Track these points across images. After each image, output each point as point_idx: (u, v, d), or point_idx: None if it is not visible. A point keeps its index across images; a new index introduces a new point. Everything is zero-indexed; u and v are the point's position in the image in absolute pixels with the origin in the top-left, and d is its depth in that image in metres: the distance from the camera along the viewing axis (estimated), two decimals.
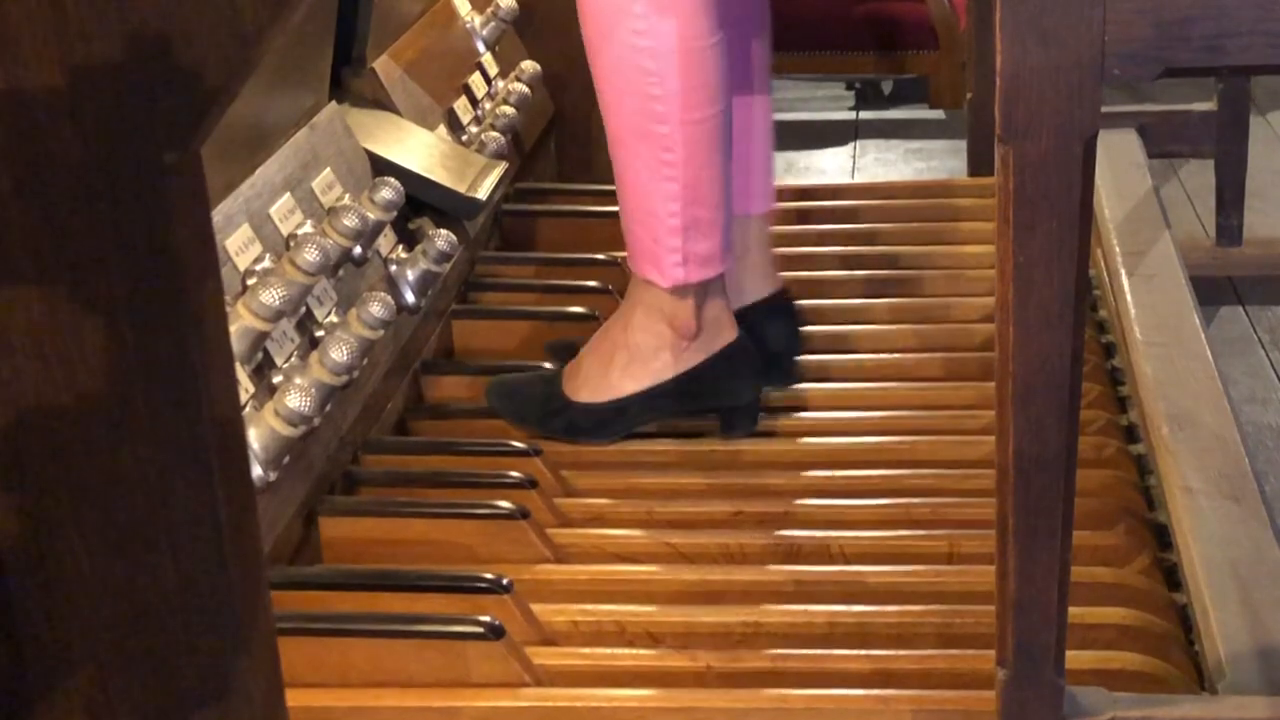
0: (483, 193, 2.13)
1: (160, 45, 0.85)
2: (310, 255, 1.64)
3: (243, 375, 1.54)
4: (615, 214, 2.49)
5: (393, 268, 1.92)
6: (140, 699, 0.97)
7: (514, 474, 1.79)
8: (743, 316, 1.97)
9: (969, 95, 2.84)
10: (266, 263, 1.64)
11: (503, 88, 2.51)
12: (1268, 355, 2.68)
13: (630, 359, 1.90)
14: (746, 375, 1.93)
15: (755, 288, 2.03)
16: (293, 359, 1.64)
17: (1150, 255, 2.25)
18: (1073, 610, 1.30)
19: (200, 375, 0.91)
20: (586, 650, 1.56)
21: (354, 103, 2.08)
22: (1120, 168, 2.61)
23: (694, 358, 1.90)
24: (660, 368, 1.90)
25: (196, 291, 0.91)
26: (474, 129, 2.35)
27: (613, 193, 2.55)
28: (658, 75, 1.76)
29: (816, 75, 4.00)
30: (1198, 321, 2.07)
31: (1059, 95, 1.08)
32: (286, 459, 1.56)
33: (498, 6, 2.51)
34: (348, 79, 2.08)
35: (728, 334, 1.91)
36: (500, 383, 1.98)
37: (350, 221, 1.76)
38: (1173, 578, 1.64)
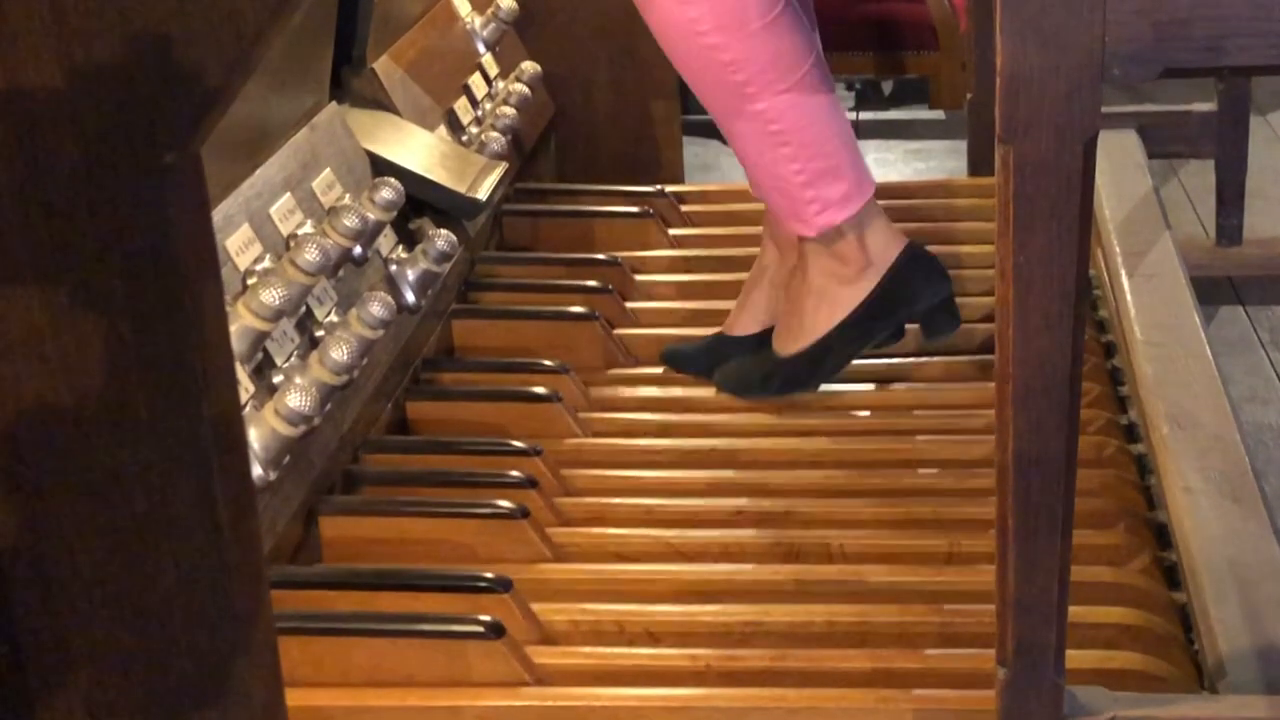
0: (483, 193, 2.14)
1: (160, 45, 0.85)
2: (310, 255, 1.64)
3: (243, 375, 1.54)
4: (615, 214, 2.51)
5: (393, 268, 1.92)
6: (140, 699, 0.97)
7: (514, 473, 1.79)
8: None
9: (969, 95, 2.84)
10: (266, 263, 1.64)
11: (503, 88, 2.51)
12: (1268, 355, 2.68)
13: (818, 301, 1.99)
14: (928, 277, 2.00)
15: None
16: (293, 359, 1.64)
17: (1150, 255, 2.25)
18: (1073, 610, 1.30)
19: (200, 375, 0.91)
20: (586, 649, 1.56)
21: (354, 103, 2.08)
22: (1120, 168, 2.61)
23: (873, 279, 1.98)
24: (847, 299, 1.98)
25: (196, 291, 0.91)
26: (474, 129, 2.35)
27: (613, 192, 2.58)
28: (735, 64, 1.85)
29: None
30: (1198, 321, 2.07)
31: (1059, 95, 1.08)
32: (286, 459, 1.56)
33: (498, 7, 2.51)
34: (348, 79, 2.08)
35: (895, 247, 1.98)
36: (726, 368, 2.07)
37: (350, 221, 1.76)
38: (1173, 577, 1.64)
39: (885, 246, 1.98)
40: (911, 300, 1.99)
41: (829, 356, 2.00)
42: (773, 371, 2.02)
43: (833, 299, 1.98)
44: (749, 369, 2.05)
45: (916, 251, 1.99)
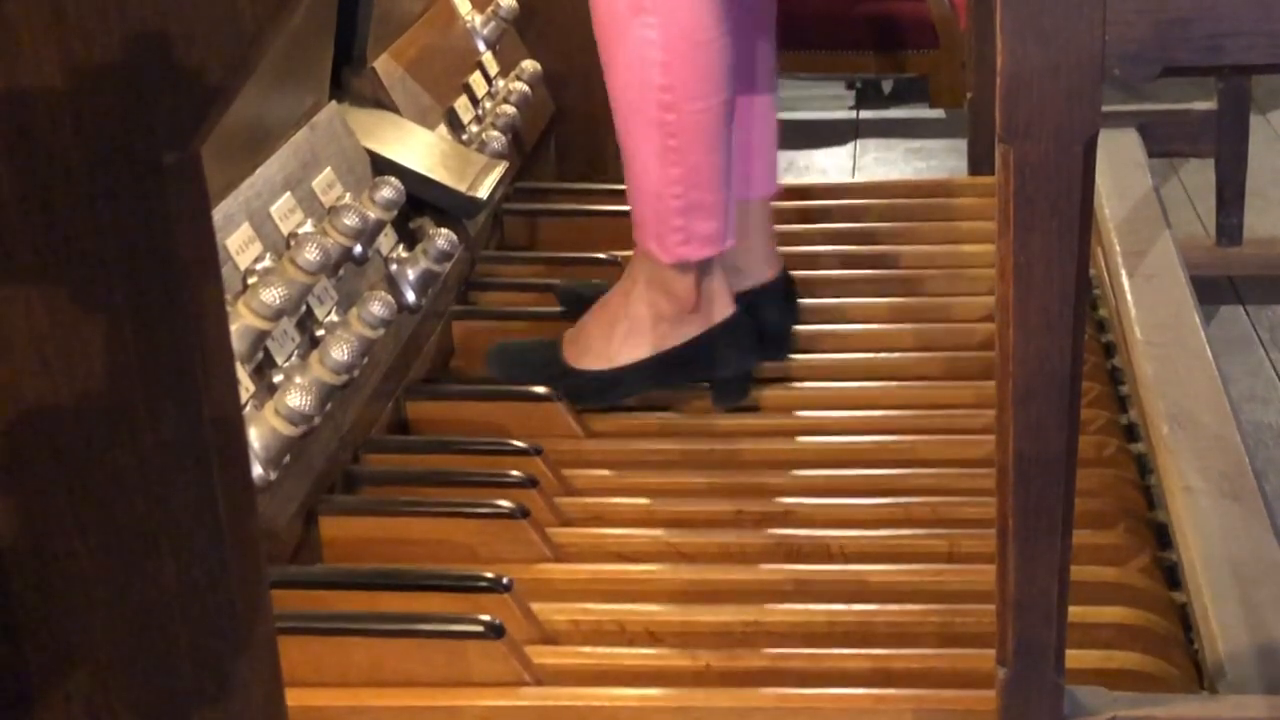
0: (483, 192, 2.14)
1: (160, 45, 0.85)
2: (311, 254, 1.64)
3: (243, 375, 1.54)
4: (616, 214, 2.50)
5: (393, 267, 1.92)
6: (140, 699, 0.97)
7: (514, 473, 1.79)
8: (743, 299, 2.02)
9: (969, 95, 2.84)
10: (267, 262, 1.64)
11: (503, 87, 2.51)
12: (1268, 355, 2.68)
13: (630, 329, 1.97)
14: (741, 348, 1.99)
15: (756, 271, 2.08)
16: (293, 358, 1.64)
17: (1150, 255, 2.25)
18: (1073, 610, 1.30)
19: (200, 375, 0.91)
20: (586, 649, 1.56)
21: (354, 102, 2.08)
22: (1120, 168, 2.61)
23: (691, 330, 1.97)
24: (658, 339, 1.97)
25: (196, 291, 0.91)
26: (474, 128, 2.35)
27: (613, 192, 2.57)
28: (663, 66, 1.83)
29: (816, 74, 4.00)
30: (1198, 321, 2.07)
31: (1059, 95, 1.08)
32: (286, 458, 1.57)
33: (498, 6, 2.51)
34: (348, 79, 2.08)
35: (724, 308, 1.98)
36: (501, 348, 2.05)
37: (351, 221, 1.76)
38: (1173, 577, 1.64)
39: (717, 304, 1.97)
40: (716, 366, 1.99)
41: (619, 388, 1.99)
42: (558, 377, 1.99)
43: (644, 333, 1.97)
44: (533, 363, 2.02)
45: (741, 321, 1.98)
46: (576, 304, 2.11)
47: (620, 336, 1.98)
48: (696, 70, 1.84)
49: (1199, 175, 3.27)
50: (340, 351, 1.64)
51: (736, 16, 1.90)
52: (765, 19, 2.06)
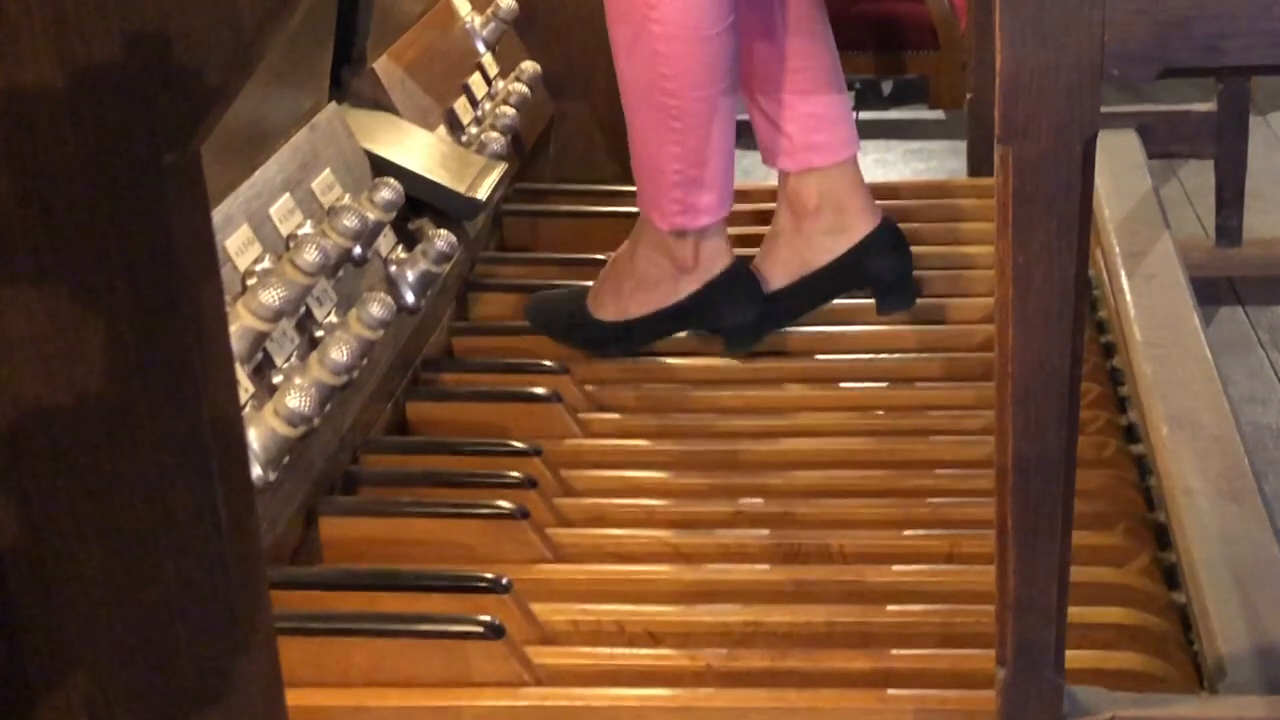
0: (483, 193, 2.14)
1: (160, 45, 0.85)
2: (310, 255, 1.64)
3: (243, 375, 1.54)
4: (615, 214, 2.51)
5: (393, 268, 1.92)
6: (140, 699, 0.97)
7: (514, 474, 1.79)
8: (852, 256, 2.15)
9: (969, 95, 2.84)
10: (266, 263, 1.64)
11: (503, 88, 2.51)
12: (1268, 355, 2.68)
13: (637, 285, 2.13)
14: (742, 298, 2.12)
15: (858, 226, 2.17)
16: (293, 359, 1.64)
17: (1150, 255, 2.25)
18: (1073, 610, 1.30)
19: (200, 375, 0.91)
20: (586, 650, 1.56)
21: (354, 103, 2.08)
22: (1120, 168, 2.61)
23: (691, 285, 2.11)
24: (662, 295, 2.12)
25: (196, 292, 0.91)
26: (474, 129, 2.35)
27: (613, 193, 2.58)
28: (668, 57, 1.97)
29: None
30: (1198, 321, 2.07)
31: (1059, 95, 1.08)
32: (286, 459, 1.56)
33: (498, 6, 2.51)
34: (348, 79, 2.08)
35: (723, 263, 2.11)
36: (539, 296, 2.22)
37: (350, 222, 1.76)
38: (1173, 578, 1.64)
39: (715, 259, 2.10)
40: (720, 316, 2.12)
41: (630, 337, 2.14)
42: (579, 325, 2.15)
43: (651, 289, 2.12)
44: (561, 311, 2.17)
45: (740, 271, 2.12)
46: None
47: (628, 292, 2.13)
48: (698, 64, 1.97)
49: (1198, 176, 3.26)
50: (340, 352, 1.64)
51: (792, 7, 2.07)
52: (817, 5, 2.15)
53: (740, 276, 2.12)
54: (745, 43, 2.08)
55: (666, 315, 2.13)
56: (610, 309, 2.14)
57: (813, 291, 2.17)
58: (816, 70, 2.13)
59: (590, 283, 2.20)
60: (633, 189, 2.58)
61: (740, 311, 2.12)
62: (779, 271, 2.16)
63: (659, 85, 1.99)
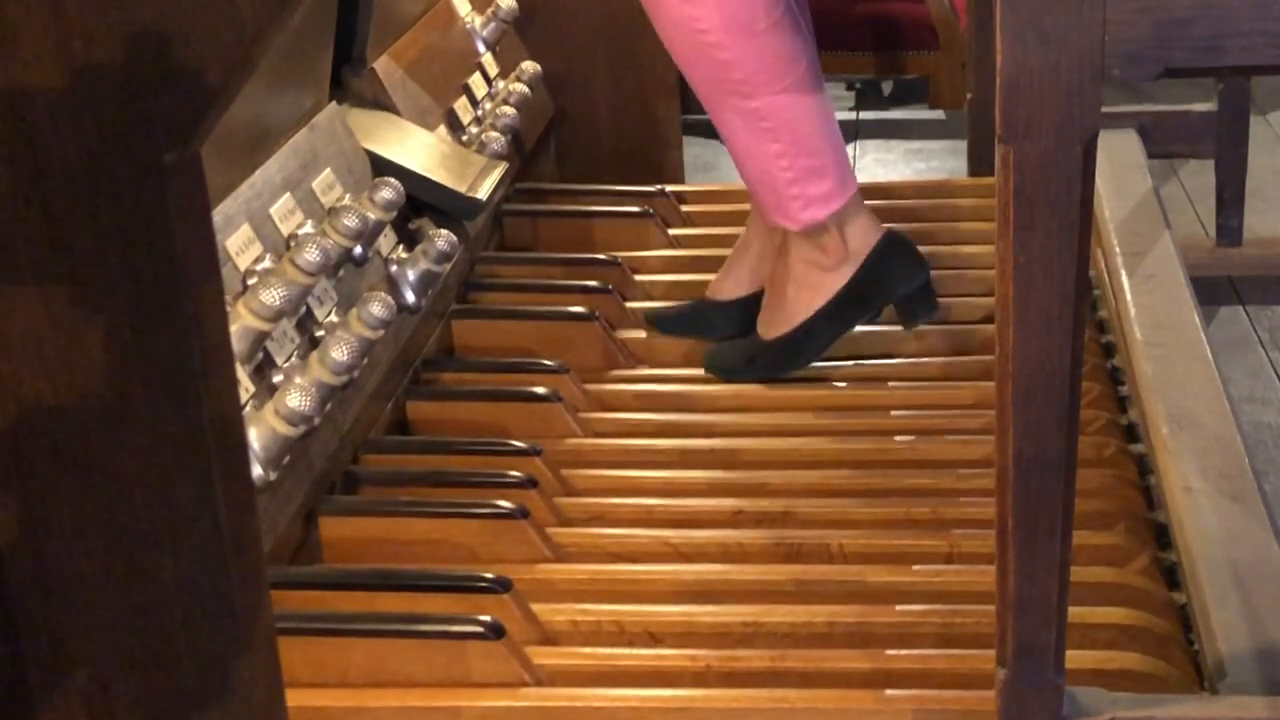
0: (483, 193, 2.14)
1: (160, 45, 0.85)
2: (310, 255, 1.64)
3: (243, 375, 1.54)
4: (616, 214, 2.51)
5: (393, 268, 1.92)
6: (140, 699, 0.97)
7: (514, 473, 1.79)
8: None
9: (969, 95, 2.84)
10: (267, 263, 1.64)
11: (503, 88, 2.51)
12: (1268, 355, 2.68)
13: (799, 288, 2.08)
14: (907, 263, 2.08)
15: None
16: (293, 359, 1.64)
17: (1150, 255, 2.25)
18: (1073, 610, 1.30)
19: (200, 375, 0.91)
20: (586, 650, 1.56)
21: (354, 103, 2.08)
22: (1120, 168, 2.61)
23: (852, 267, 2.07)
24: (828, 286, 2.07)
25: (196, 291, 0.91)
26: (474, 129, 2.35)
27: (613, 192, 2.58)
28: (734, 63, 1.94)
29: None
30: (1198, 321, 2.07)
31: (1059, 95, 1.08)
32: (286, 459, 1.56)
33: (498, 7, 2.51)
34: (348, 79, 2.08)
35: (874, 236, 2.07)
36: (713, 350, 2.15)
37: (350, 221, 1.76)
38: (1173, 578, 1.64)
39: (864, 236, 2.06)
40: (888, 288, 2.08)
41: (809, 340, 2.07)
42: (756, 354, 2.09)
43: (813, 286, 2.06)
44: (734, 351, 2.12)
45: (894, 239, 2.08)
46: (672, 327, 2.19)
47: (792, 299, 2.08)
48: (765, 59, 1.93)
49: (1199, 176, 3.26)
50: (340, 352, 1.64)
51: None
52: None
53: (897, 244, 2.07)
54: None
55: (838, 304, 2.07)
56: (780, 323, 2.09)
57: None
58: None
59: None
60: (633, 188, 2.60)
61: (910, 277, 2.07)
62: (740, 284, 2.16)
63: (735, 91, 1.95)
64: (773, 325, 2.09)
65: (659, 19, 1.96)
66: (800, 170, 1.98)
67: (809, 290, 2.07)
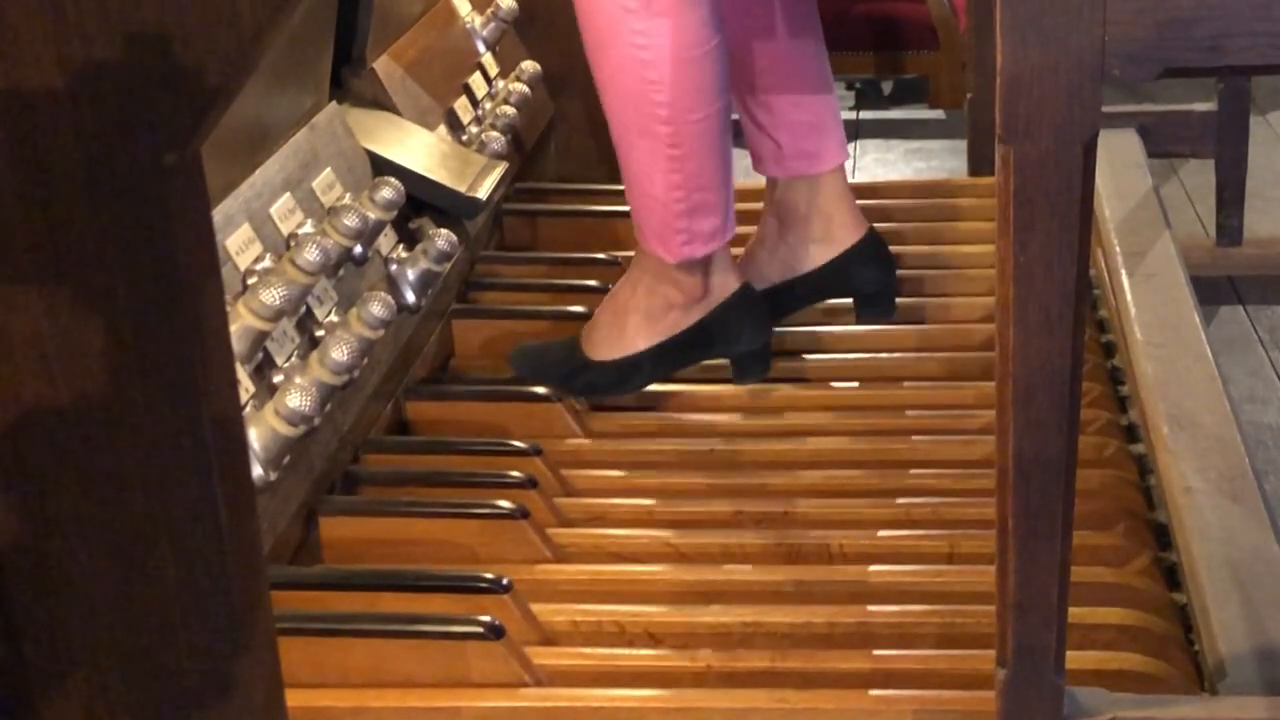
0: (483, 192, 2.14)
1: (160, 45, 0.85)
2: (310, 255, 1.64)
3: (243, 375, 1.54)
4: (615, 214, 2.50)
5: (393, 267, 1.92)
6: (140, 699, 0.97)
7: (514, 473, 1.79)
8: (836, 265, 2.12)
9: (969, 95, 2.84)
10: (267, 262, 1.64)
11: (503, 88, 2.51)
12: (1268, 355, 2.68)
13: (644, 320, 2.01)
14: (753, 322, 2.03)
15: (842, 237, 2.14)
16: (293, 359, 1.64)
17: (1150, 255, 2.25)
18: (1073, 610, 1.30)
19: (200, 375, 0.91)
20: (586, 650, 1.56)
21: (354, 103, 2.08)
22: (1120, 168, 2.61)
23: (702, 311, 2.01)
24: (670, 324, 2.01)
25: (196, 291, 0.91)
26: (474, 129, 2.35)
27: (612, 192, 2.57)
28: (658, 83, 1.86)
29: None
30: (1198, 321, 2.07)
31: (1059, 95, 1.08)
32: (286, 459, 1.56)
33: (498, 6, 2.51)
34: (348, 79, 2.08)
35: (732, 285, 2.01)
36: (522, 348, 2.08)
37: (350, 221, 1.76)
38: (1173, 578, 1.64)
39: (723, 283, 2.01)
40: (733, 340, 2.02)
41: (637, 374, 2.02)
42: (578, 371, 2.02)
43: (657, 321, 2.00)
44: (555, 360, 2.05)
45: (750, 293, 2.03)
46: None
47: (633, 326, 2.01)
48: (692, 84, 1.87)
49: (1199, 176, 3.27)
50: (340, 352, 1.64)
51: (783, 15, 1.99)
52: (809, 14, 2.11)
53: (753, 298, 2.03)
54: (739, 47, 2.04)
55: (679, 343, 2.01)
56: (611, 347, 2.02)
57: (795, 297, 2.14)
58: (807, 76, 2.10)
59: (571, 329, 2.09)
60: None
61: (755, 334, 2.03)
62: (762, 276, 2.13)
63: (652, 114, 1.87)
64: (605, 346, 2.02)
65: (589, 19, 1.88)
66: (693, 204, 1.92)
67: (652, 325, 2.00)
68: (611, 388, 2.02)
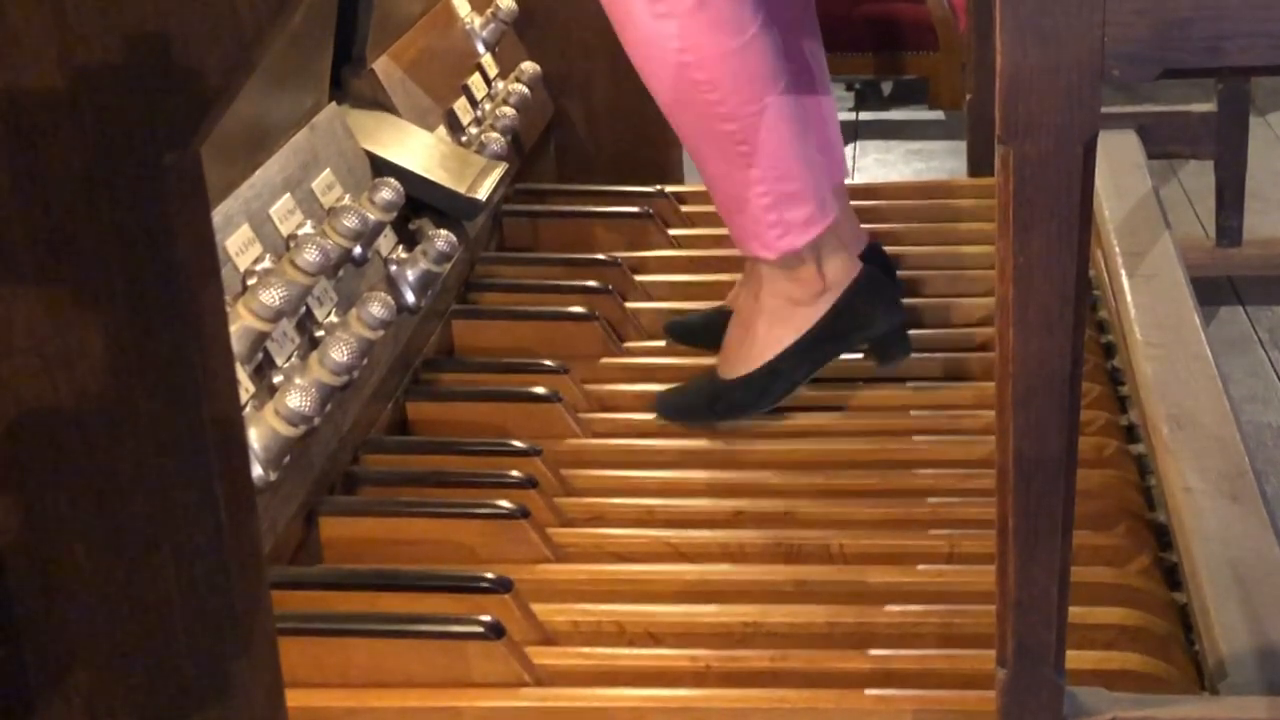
0: (483, 193, 2.14)
1: (160, 45, 0.85)
2: (310, 255, 1.64)
3: (243, 375, 1.54)
4: (615, 214, 2.51)
5: (393, 268, 1.92)
6: (140, 699, 0.97)
7: (514, 473, 1.79)
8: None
9: (968, 96, 2.84)
10: (266, 263, 1.64)
11: (503, 88, 2.51)
12: (1268, 355, 2.68)
13: (770, 323, 1.95)
14: (884, 301, 1.98)
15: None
16: (293, 359, 1.64)
17: (1150, 255, 2.25)
18: (1073, 610, 1.30)
19: (200, 375, 0.91)
20: (586, 650, 1.56)
21: (354, 103, 2.08)
22: (1120, 168, 2.61)
23: (828, 302, 1.95)
24: (799, 322, 1.95)
25: (196, 292, 0.91)
26: (474, 130, 2.35)
27: (613, 193, 2.58)
28: (709, 83, 1.82)
29: None
30: (1198, 321, 2.07)
31: (1059, 95, 1.08)
32: (286, 459, 1.56)
33: (498, 7, 2.51)
34: (348, 79, 2.08)
35: (852, 271, 1.96)
36: (663, 396, 2.02)
37: (350, 222, 1.76)
38: (1173, 578, 1.64)
39: (842, 270, 1.95)
40: (867, 325, 1.97)
41: (778, 381, 1.96)
42: (718, 395, 1.97)
43: (785, 321, 1.95)
44: (691, 395, 2.00)
45: (875, 275, 1.97)
46: (686, 336, 2.13)
47: (762, 334, 1.95)
48: (741, 76, 1.82)
49: (1198, 176, 3.27)
50: (340, 352, 1.64)
51: (780, 19, 1.92)
52: (808, 21, 2.09)
53: (878, 278, 1.97)
54: None
55: (813, 339, 1.94)
56: (746, 360, 1.95)
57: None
58: (807, 77, 2.05)
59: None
60: (633, 188, 2.60)
61: (887, 316, 1.97)
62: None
63: (711, 114, 1.83)
64: (737, 364, 1.96)
65: (628, 36, 1.86)
66: (778, 195, 1.86)
67: (781, 326, 1.94)
68: (756, 402, 1.96)
